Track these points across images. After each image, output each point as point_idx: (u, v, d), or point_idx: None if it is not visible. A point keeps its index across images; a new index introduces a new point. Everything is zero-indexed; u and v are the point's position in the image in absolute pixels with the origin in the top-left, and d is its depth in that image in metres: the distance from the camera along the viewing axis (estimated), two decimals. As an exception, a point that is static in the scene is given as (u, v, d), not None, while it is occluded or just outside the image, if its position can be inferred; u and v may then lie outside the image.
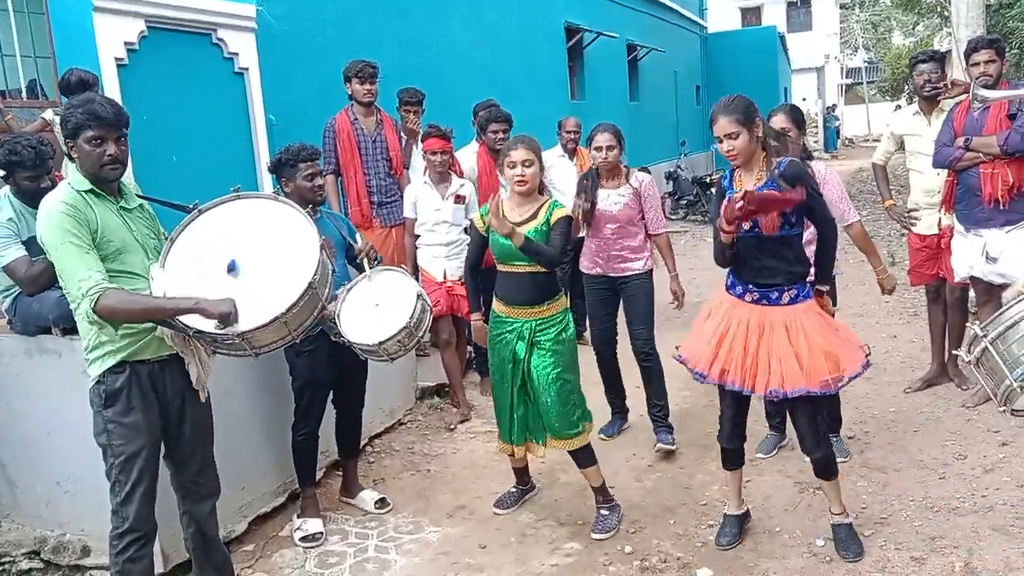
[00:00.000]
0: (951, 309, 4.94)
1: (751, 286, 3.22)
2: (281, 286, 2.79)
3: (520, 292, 3.61)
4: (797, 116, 4.04)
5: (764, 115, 3.34)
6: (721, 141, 3.16)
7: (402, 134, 5.77)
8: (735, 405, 3.39)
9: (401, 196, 5.58)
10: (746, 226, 3.14)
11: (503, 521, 3.90)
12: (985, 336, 2.63)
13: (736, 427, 3.42)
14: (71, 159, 2.75)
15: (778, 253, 3.17)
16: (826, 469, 3.34)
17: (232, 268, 2.81)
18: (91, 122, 2.63)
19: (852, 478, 4.00)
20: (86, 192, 2.68)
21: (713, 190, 3.46)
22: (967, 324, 2.97)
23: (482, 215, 3.68)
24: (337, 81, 5.62)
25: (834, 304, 3.72)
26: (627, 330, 4.61)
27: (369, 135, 5.55)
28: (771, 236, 3.13)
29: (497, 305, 3.70)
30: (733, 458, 3.49)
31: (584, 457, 3.72)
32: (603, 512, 3.75)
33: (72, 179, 2.72)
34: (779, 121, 3.96)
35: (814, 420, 3.27)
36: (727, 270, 3.34)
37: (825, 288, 3.37)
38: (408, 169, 5.82)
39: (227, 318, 2.62)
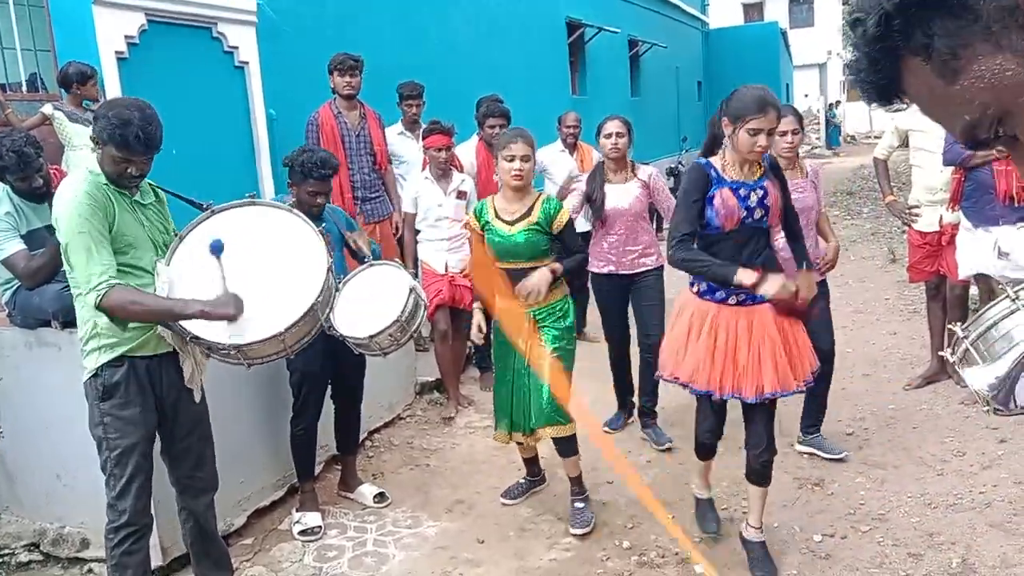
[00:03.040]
0: (952, 307, 4.93)
1: (733, 288, 3.03)
2: (283, 303, 2.78)
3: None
4: (799, 117, 4.01)
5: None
6: (758, 134, 2.90)
7: (405, 130, 5.75)
8: (717, 409, 3.31)
9: (385, 192, 5.56)
10: (757, 215, 3.03)
11: (501, 516, 3.90)
12: (966, 336, 2.62)
13: (718, 427, 3.39)
14: (95, 145, 2.68)
15: (764, 249, 3.10)
16: (765, 473, 3.26)
17: (216, 249, 2.76)
18: (120, 148, 2.59)
19: (850, 474, 4.01)
20: (105, 184, 2.67)
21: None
22: (948, 326, 2.94)
23: (476, 215, 3.65)
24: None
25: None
26: (636, 327, 4.60)
27: (353, 129, 5.48)
28: (767, 229, 3.10)
29: (503, 301, 3.65)
30: (709, 451, 3.48)
31: (568, 447, 3.70)
32: (577, 506, 3.75)
33: (91, 168, 2.70)
34: (787, 124, 3.85)
35: (772, 421, 3.22)
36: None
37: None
38: (390, 163, 5.79)
39: (234, 319, 2.64)
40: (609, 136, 4.40)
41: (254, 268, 2.81)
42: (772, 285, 2.89)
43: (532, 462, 4.05)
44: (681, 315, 3.21)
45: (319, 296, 2.80)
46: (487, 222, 3.58)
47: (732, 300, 3.08)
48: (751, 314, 3.07)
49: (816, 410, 4.26)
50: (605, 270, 4.53)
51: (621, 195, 4.41)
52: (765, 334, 3.07)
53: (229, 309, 2.63)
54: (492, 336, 3.76)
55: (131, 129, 2.56)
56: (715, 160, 3.09)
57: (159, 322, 2.71)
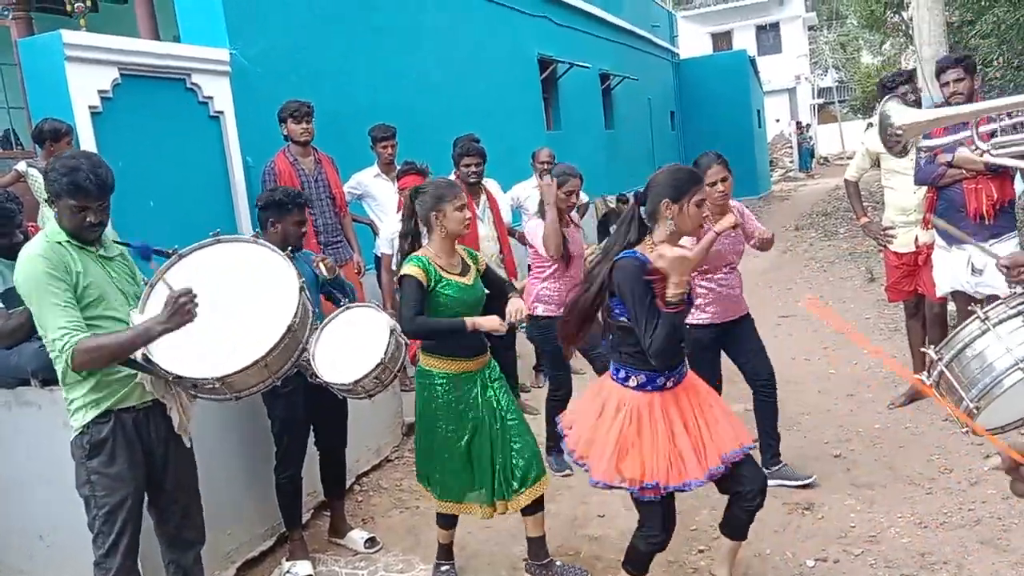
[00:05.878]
0: (931, 325, 4.97)
1: (669, 370, 2.86)
2: (261, 329, 2.78)
3: (477, 340, 3.38)
4: (726, 162, 3.92)
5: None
6: (702, 203, 2.85)
7: (381, 172, 5.76)
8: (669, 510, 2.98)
9: (345, 235, 5.59)
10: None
11: (493, 555, 3.87)
12: (940, 359, 2.66)
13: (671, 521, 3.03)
14: (50, 205, 2.73)
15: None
16: (749, 522, 3.09)
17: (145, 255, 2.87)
18: (74, 195, 2.61)
19: (839, 496, 4.01)
20: (64, 242, 2.68)
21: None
22: (921, 349, 2.96)
23: (421, 266, 3.23)
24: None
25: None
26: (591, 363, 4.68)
27: (310, 175, 5.46)
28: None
29: (450, 365, 3.35)
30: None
31: (539, 501, 3.49)
32: (558, 563, 3.59)
33: (48, 230, 2.71)
34: (716, 172, 3.83)
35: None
36: (635, 367, 2.85)
37: None
38: (348, 205, 5.80)
39: (190, 313, 2.60)
40: (571, 193, 4.56)
41: (228, 301, 2.82)
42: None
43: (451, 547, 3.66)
44: (617, 415, 2.86)
45: (295, 317, 2.81)
46: (440, 279, 3.24)
47: (671, 383, 2.88)
48: (682, 389, 2.92)
49: (771, 443, 4.21)
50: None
51: (575, 239, 4.65)
52: (700, 398, 2.95)
53: (179, 313, 2.58)
54: (426, 404, 3.41)
55: (80, 174, 2.60)
56: (642, 249, 2.84)
57: (135, 366, 2.69)
